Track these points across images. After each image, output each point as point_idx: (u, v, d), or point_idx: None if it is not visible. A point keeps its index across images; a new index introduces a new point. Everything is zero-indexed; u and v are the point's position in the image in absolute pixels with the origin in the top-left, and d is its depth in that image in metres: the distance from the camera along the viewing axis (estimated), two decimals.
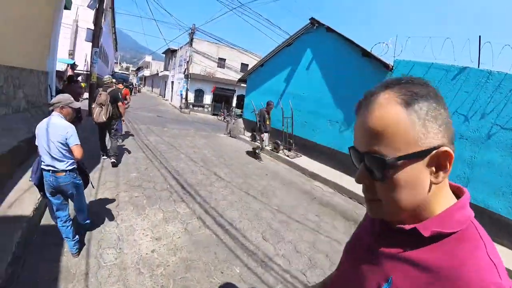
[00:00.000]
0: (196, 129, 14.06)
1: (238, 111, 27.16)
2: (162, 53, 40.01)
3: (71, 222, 3.16)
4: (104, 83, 6.43)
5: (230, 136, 12.78)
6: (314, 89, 9.48)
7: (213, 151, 9.09)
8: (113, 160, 6.23)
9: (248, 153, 9.41)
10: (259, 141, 9.01)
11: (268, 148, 9.80)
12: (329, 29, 9.12)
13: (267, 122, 8.63)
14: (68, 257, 3.05)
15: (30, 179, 3.26)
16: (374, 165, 0.63)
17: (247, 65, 28.26)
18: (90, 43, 11.62)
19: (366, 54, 7.75)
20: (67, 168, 2.99)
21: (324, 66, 9.23)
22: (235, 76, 27.15)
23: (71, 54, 19.16)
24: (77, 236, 3.18)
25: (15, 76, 5.61)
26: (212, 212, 4.62)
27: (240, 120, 13.41)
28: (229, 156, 8.79)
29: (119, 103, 6.51)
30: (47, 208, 3.95)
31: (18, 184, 4.11)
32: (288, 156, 9.14)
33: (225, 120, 22.01)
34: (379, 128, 0.61)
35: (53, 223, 3.52)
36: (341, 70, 8.56)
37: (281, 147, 9.49)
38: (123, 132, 8.81)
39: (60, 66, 17.10)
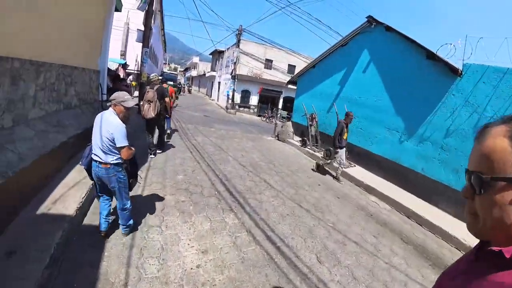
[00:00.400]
0: (243, 130, 13.80)
1: (284, 113, 26.74)
2: (209, 54, 40.70)
3: (111, 202, 3.26)
4: (151, 81, 6.62)
5: (278, 139, 12.27)
6: (371, 93, 8.76)
7: (261, 155, 8.69)
8: (159, 151, 6.80)
9: (318, 170, 8.18)
10: (329, 159, 8.10)
11: (319, 155, 9.24)
12: (388, 28, 8.37)
13: (344, 137, 7.35)
14: (108, 263, 2.80)
15: (80, 163, 3.21)
16: (475, 181, 0.72)
17: (294, 66, 27.78)
18: (140, 44, 11.81)
19: (430, 56, 6.91)
20: (112, 162, 2.96)
21: (383, 68, 8.47)
22: (282, 77, 26.78)
23: (123, 54, 19.88)
24: (110, 217, 3.27)
25: (67, 74, 5.66)
26: (262, 225, 4.18)
27: (289, 124, 12.83)
28: (278, 162, 8.31)
29: (166, 99, 6.77)
30: (92, 203, 3.81)
31: (65, 180, 3.99)
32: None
33: (272, 122, 21.79)
34: (485, 153, 0.70)
35: (94, 223, 3.34)
36: (402, 73, 7.77)
37: (334, 155, 8.81)
38: (170, 130, 8.82)
39: (112, 66, 17.89)
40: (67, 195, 3.55)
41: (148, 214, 3.88)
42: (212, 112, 21.19)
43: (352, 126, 9.04)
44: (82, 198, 3.55)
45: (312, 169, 8.19)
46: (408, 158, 7.25)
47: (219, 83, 33.12)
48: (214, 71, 36.96)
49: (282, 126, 12.56)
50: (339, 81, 10.15)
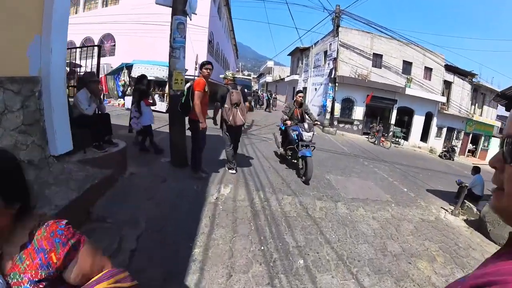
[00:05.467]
0: (384, 187, 6.48)
1: (398, 130, 18.60)
2: (288, 54, 34.31)
3: None
4: (232, 80, 5.44)
5: (487, 236, 4.68)
6: None
7: None
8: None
9: None
10: None
11: None
12: None
13: None
14: None
15: None
16: (507, 147, 0.59)
17: (411, 63, 19.42)
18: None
19: None
20: None
21: None
22: (396, 79, 18.65)
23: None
24: None
25: None
26: None
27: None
28: None
29: (247, 103, 5.65)
30: None
31: None
32: None
33: (386, 145, 14.50)
34: None
35: None
36: None
37: None
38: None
39: (161, 74, 12.91)
40: None
41: None
42: None
43: None
44: None
45: None
46: None
47: (304, 89, 25.82)
48: (296, 74, 29.67)
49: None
50: None
